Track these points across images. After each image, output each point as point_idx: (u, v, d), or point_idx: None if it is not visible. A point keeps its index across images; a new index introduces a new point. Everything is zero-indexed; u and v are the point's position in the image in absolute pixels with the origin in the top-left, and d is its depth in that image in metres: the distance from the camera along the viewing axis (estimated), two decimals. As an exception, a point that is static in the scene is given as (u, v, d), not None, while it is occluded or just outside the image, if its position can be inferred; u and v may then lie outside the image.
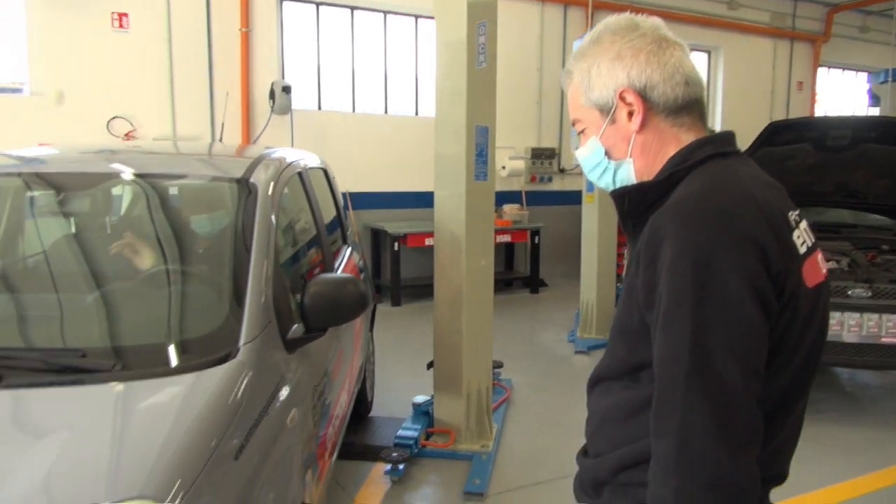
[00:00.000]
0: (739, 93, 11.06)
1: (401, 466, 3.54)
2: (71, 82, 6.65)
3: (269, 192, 2.53)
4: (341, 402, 2.94)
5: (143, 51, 6.90)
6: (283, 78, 7.59)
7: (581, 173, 6.72)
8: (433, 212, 3.95)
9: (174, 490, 1.47)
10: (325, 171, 3.99)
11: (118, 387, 1.81)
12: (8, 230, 2.64)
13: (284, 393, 2.05)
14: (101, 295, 2.29)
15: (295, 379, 2.17)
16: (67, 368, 1.82)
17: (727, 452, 1.03)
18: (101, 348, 1.98)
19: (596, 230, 6.24)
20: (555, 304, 8.09)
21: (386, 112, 8.51)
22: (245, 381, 1.87)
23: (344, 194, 5.45)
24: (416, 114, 8.69)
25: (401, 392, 4.80)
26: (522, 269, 9.16)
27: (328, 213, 3.67)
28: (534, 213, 9.03)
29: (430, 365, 4.05)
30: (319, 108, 8.08)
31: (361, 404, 4.12)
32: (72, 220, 2.74)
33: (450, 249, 3.81)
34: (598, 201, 6.16)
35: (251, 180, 2.53)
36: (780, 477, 1.26)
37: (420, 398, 4.12)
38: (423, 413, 4.03)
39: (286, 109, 7.38)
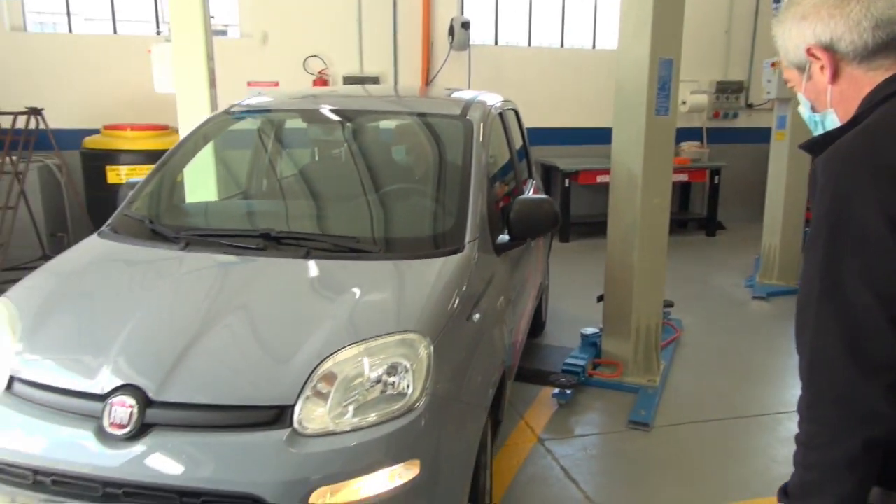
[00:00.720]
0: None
1: (568, 391, 3.71)
2: (273, 24, 7.25)
3: (481, 128, 3.06)
4: (528, 306, 3.54)
5: (335, -8, 7.34)
6: (462, 14, 7.71)
7: (771, 109, 6.26)
8: (607, 148, 3.96)
9: (434, 330, 2.07)
10: (516, 112, 4.42)
11: (385, 263, 2.44)
12: (294, 153, 3.59)
13: (495, 283, 2.64)
14: (369, 202, 3.06)
15: (501, 274, 2.75)
16: (348, 248, 2.47)
17: (859, 374, 1.08)
18: (368, 237, 2.64)
19: (785, 169, 5.83)
20: (732, 248, 7.72)
21: (562, 46, 8.38)
22: (470, 268, 2.45)
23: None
24: (594, 47, 8.47)
25: (569, 323, 4.94)
26: (699, 210, 8.78)
27: (518, 145, 4.16)
28: (715, 151, 8.56)
29: (600, 298, 4.13)
30: (496, 42, 8.14)
31: (537, 323, 4.58)
32: (346, 145, 3.51)
33: (625, 185, 3.81)
34: (789, 139, 5.73)
35: (467, 117, 3.09)
36: None
37: (588, 329, 4.24)
38: (591, 344, 4.15)
39: (464, 45, 7.53)
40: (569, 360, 3.96)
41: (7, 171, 5.35)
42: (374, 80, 7.57)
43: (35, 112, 5.61)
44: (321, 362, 1.93)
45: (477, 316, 2.36)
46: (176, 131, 6.49)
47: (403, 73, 7.71)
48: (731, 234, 8.41)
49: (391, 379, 1.95)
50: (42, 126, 5.70)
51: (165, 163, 3.14)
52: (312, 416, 1.87)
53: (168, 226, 2.74)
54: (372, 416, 1.89)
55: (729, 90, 8.74)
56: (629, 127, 3.73)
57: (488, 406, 2.32)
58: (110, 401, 1.88)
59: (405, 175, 3.26)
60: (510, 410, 3.67)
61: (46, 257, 5.94)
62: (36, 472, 1.89)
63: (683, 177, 8.20)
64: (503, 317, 2.66)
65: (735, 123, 8.93)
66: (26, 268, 5.79)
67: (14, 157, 5.40)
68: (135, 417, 1.85)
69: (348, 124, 3.49)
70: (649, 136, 3.67)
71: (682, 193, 8.83)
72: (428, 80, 7.70)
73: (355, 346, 1.98)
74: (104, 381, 1.93)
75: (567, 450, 3.28)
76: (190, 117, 4.78)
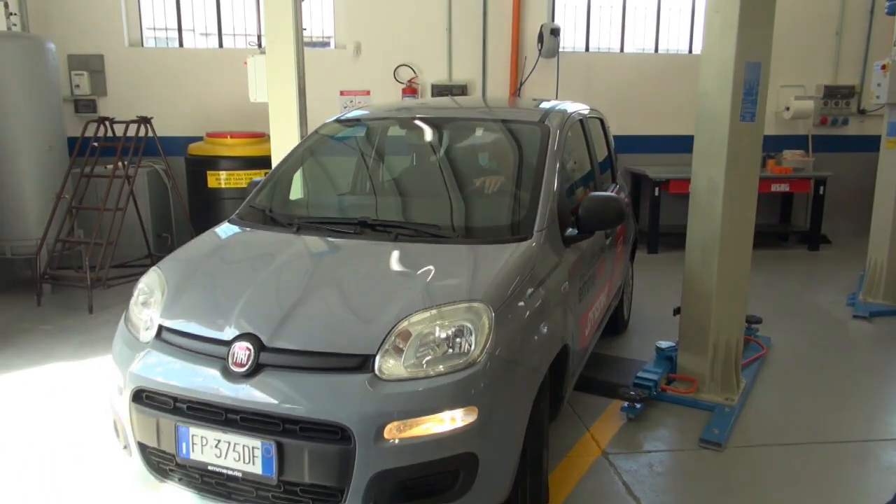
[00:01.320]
0: None
1: (638, 405, 3.60)
2: (366, 35, 7.49)
3: (558, 133, 3.38)
4: (599, 299, 3.71)
5: (426, 2, 7.47)
6: (552, 20, 7.67)
7: (884, 115, 5.83)
8: None
9: (497, 301, 2.41)
10: (601, 120, 4.69)
11: (461, 246, 2.81)
12: (389, 156, 4.01)
13: (560, 271, 2.92)
14: (452, 197, 3.44)
15: (568, 264, 3.02)
16: (430, 234, 2.89)
17: None
18: (448, 225, 3.03)
19: (895, 180, 5.41)
20: (836, 263, 7.24)
21: (656, 51, 8.16)
22: (536, 254, 2.78)
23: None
24: (690, 51, 8.20)
25: (644, 335, 4.81)
26: (801, 223, 8.29)
27: (601, 155, 4.46)
28: (821, 159, 8.06)
29: (676, 311, 3.99)
30: (587, 49, 8.04)
31: (619, 321, 4.82)
32: (434, 149, 3.85)
33: (706, 193, 3.66)
34: (900, 147, 5.32)
35: (545, 123, 3.45)
36: None
37: (664, 343, 4.10)
38: (667, 358, 4.01)
39: (553, 52, 7.48)
40: (641, 374, 3.84)
41: (119, 176, 5.79)
42: (463, 88, 7.66)
43: (145, 121, 6.06)
44: (398, 322, 2.31)
45: (538, 294, 2.66)
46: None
47: (492, 81, 7.75)
48: (836, 248, 7.89)
49: (458, 340, 2.30)
50: (150, 134, 6.13)
51: (282, 165, 3.67)
52: (389, 365, 2.25)
53: (284, 215, 3.27)
54: (439, 368, 2.25)
55: (838, 95, 8.22)
56: (711, 133, 3.59)
57: (544, 372, 2.59)
58: (234, 345, 2.34)
59: (485, 174, 3.59)
60: (577, 423, 3.61)
61: (151, 256, 6.40)
62: (175, 399, 2.37)
63: (784, 187, 7.78)
64: (566, 300, 2.91)
65: (845, 131, 8.39)
66: (133, 265, 6.27)
67: (125, 163, 5.84)
68: (251, 359, 2.29)
69: (438, 131, 3.85)
70: (733, 143, 3.52)
71: (783, 205, 8.38)
72: (516, 88, 7.71)
73: (428, 311, 2.35)
74: (229, 330, 2.39)
75: (632, 465, 3.19)
76: (281, 124, 5.04)
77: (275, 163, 5.03)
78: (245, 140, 6.73)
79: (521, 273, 2.62)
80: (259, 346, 2.32)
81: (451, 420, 2.20)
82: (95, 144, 5.89)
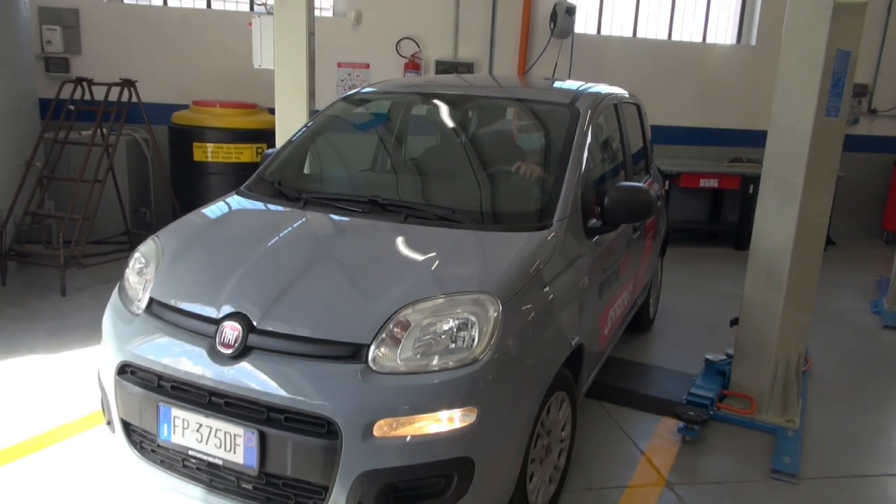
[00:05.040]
0: None
1: (696, 427, 3.26)
2: (368, 3, 6.94)
3: (588, 116, 3.12)
4: (623, 296, 3.48)
5: (434, -29, 6.96)
6: (566, -1, 7.24)
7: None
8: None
9: (506, 295, 2.21)
10: (638, 107, 4.38)
11: (473, 232, 2.59)
12: (407, 135, 3.74)
13: (580, 264, 2.72)
14: (468, 179, 3.18)
15: (589, 258, 2.81)
16: (442, 217, 2.65)
17: None
18: (462, 209, 2.72)
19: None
20: (847, 266, 7.02)
21: (670, 38, 7.80)
22: (555, 244, 2.57)
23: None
24: (704, 40, 7.86)
25: (667, 334, 4.50)
26: (807, 223, 8.08)
27: (636, 144, 4.14)
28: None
29: (734, 322, 3.64)
30: (598, 31, 7.63)
31: (644, 318, 4.58)
32: (454, 129, 3.55)
33: (780, 194, 3.30)
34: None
35: (576, 106, 3.17)
36: None
37: (713, 356, 3.77)
38: (719, 372, 3.68)
39: (567, 32, 7.06)
40: (695, 391, 3.50)
41: (98, 144, 5.19)
42: (469, 67, 7.19)
43: (129, 84, 5.45)
44: (398, 310, 2.13)
45: (554, 288, 2.45)
46: (265, 111, 6.31)
47: (499, 61, 7.29)
48: (842, 250, 7.69)
49: (461, 333, 2.10)
50: (134, 99, 5.53)
51: (294, 138, 3.41)
52: (385, 356, 2.07)
53: (292, 189, 3.01)
54: (437, 363, 2.06)
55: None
56: (791, 130, 3.21)
57: (553, 373, 2.39)
58: (223, 324, 2.17)
59: (506, 157, 3.32)
60: (626, 442, 3.25)
61: (129, 233, 5.82)
62: (160, 377, 2.22)
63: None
64: (584, 297, 2.72)
65: (854, 130, 8.17)
66: (109, 242, 5.69)
67: (105, 130, 5.24)
68: (239, 340, 2.12)
69: (460, 109, 3.55)
70: (815, 142, 3.16)
71: (788, 203, 8.16)
72: (525, 69, 7.27)
73: (431, 300, 2.16)
74: (219, 308, 2.23)
75: (703, 500, 2.84)
76: (288, 94, 4.52)
77: (279, 135, 4.56)
78: (236, 111, 6.16)
79: (537, 265, 2.42)
80: (248, 326, 2.15)
81: (448, 420, 2.02)
82: (72, 108, 5.27)
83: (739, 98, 7.71)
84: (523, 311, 2.26)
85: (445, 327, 2.10)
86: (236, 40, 6.43)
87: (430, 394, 2.01)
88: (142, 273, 2.52)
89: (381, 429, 1.97)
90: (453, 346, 2.09)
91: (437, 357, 2.07)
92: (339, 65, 7.00)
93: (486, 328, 2.10)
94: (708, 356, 3.75)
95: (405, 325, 2.10)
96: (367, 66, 7.05)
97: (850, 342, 4.89)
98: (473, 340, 2.09)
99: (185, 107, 6.29)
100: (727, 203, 7.92)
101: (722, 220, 8.02)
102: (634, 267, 3.66)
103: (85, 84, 5.37)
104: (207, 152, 6.07)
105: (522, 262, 2.39)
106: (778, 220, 3.33)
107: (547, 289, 2.42)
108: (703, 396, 3.44)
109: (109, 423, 2.42)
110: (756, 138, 8.00)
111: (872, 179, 8.19)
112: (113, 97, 5.34)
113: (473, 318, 2.11)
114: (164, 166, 6.19)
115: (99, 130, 5.22)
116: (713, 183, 7.38)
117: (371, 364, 2.04)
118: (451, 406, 2.01)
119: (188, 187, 6.14)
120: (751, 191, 7.38)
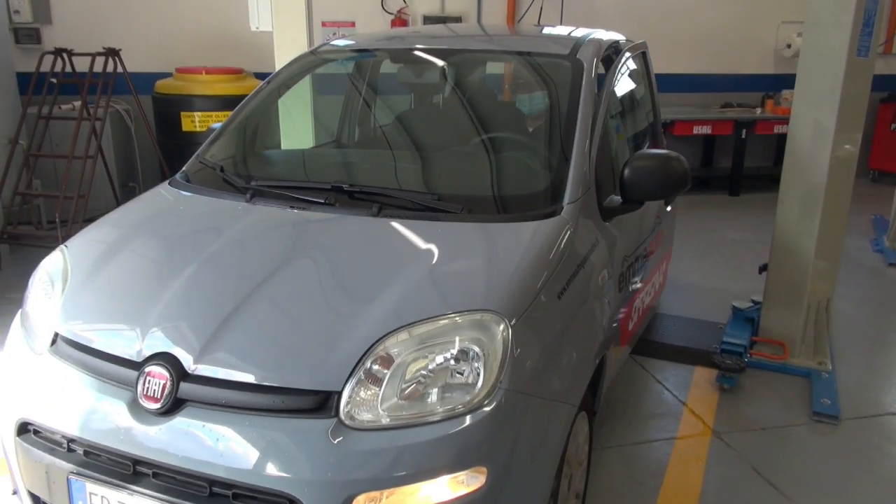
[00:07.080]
0: None
1: (734, 374, 3.28)
2: (351, -43, 6.68)
3: (593, 71, 2.60)
4: (650, 283, 3.01)
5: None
6: (554, -54, 7.04)
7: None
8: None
9: (516, 311, 1.74)
10: (644, 55, 3.74)
11: (466, 226, 2.08)
12: (383, 98, 3.20)
13: (598, 254, 2.24)
14: (455, 154, 2.64)
15: (608, 244, 2.34)
16: (426, 207, 2.13)
17: None
18: (450, 195, 2.22)
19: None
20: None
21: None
22: (566, 236, 2.07)
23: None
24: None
25: (690, 293, 4.52)
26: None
27: (644, 96, 3.62)
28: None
29: (763, 268, 3.64)
30: (587, -21, 7.46)
31: None
32: (437, 90, 3.07)
33: (811, 137, 3.27)
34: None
35: (577, 57, 2.63)
36: None
37: (739, 303, 3.78)
38: (748, 319, 3.70)
39: (558, -19, 6.88)
40: (728, 339, 3.51)
41: (85, 118, 4.95)
42: (456, 20, 6.99)
43: (113, 53, 5.18)
44: (376, 342, 1.64)
45: (571, 291, 2.01)
46: (252, 76, 6.07)
47: (487, 13, 7.10)
48: (835, 191, 7.76)
49: (460, 367, 1.65)
50: (119, 69, 5.27)
51: (245, 107, 2.85)
52: (362, 405, 1.60)
53: (240, 175, 2.50)
54: (433, 410, 1.60)
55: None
56: (822, 71, 3.17)
57: (578, 401, 1.95)
58: (146, 369, 1.69)
59: (500, 124, 2.87)
60: (662, 393, 3.26)
61: (122, 209, 5.62)
62: (70, 439, 1.74)
63: (784, 129, 7.54)
64: (604, 296, 2.25)
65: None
66: (104, 220, 5.48)
67: (90, 103, 4.99)
68: (168, 391, 1.64)
69: (441, 66, 3.05)
70: (847, 83, 3.12)
71: (777, 147, 8.18)
72: (514, 21, 7.09)
73: (419, 325, 1.68)
74: (140, 346, 1.74)
75: (752, 447, 2.86)
76: (289, 57, 4.33)
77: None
78: (223, 77, 5.92)
79: (549, 265, 1.95)
80: (179, 372, 1.66)
81: (451, 486, 1.55)
82: (53, 81, 5.00)
83: (730, 43, 7.65)
84: (536, 328, 1.79)
85: (440, 360, 1.65)
86: (221, 2, 6.15)
87: (424, 455, 1.55)
88: (48, 296, 1.99)
89: None
90: (451, 384, 1.64)
91: (430, 402, 1.61)
92: (324, 24, 6.74)
93: (492, 358, 1.64)
94: (735, 303, 3.77)
95: (387, 362, 1.63)
96: (353, 24, 6.82)
97: (860, 281, 4.95)
98: (477, 376, 1.63)
99: (168, 75, 6.03)
100: (719, 149, 7.93)
101: (714, 167, 8.04)
102: (665, 247, 3.23)
103: (65, 55, 5.09)
104: (196, 122, 5.84)
105: (531, 263, 1.91)
106: (811, 164, 3.31)
107: (564, 294, 1.96)
108: (737, 344, 3.46)
109: (15, 492, 1.95)
110: (745, 82, 8.01)
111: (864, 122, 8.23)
112: (97, 68, 5.08)
113: (476, 348, 1.65)
114: (153, 138, 5.95)
115: (86, 104, 4.97)
116: (707, 129, 7.36)
117: (344, 418, 1.57)
118: (452, 469, 1.55)
119: (179, 159, 5.89)
120: (743, 136, 7.41)
